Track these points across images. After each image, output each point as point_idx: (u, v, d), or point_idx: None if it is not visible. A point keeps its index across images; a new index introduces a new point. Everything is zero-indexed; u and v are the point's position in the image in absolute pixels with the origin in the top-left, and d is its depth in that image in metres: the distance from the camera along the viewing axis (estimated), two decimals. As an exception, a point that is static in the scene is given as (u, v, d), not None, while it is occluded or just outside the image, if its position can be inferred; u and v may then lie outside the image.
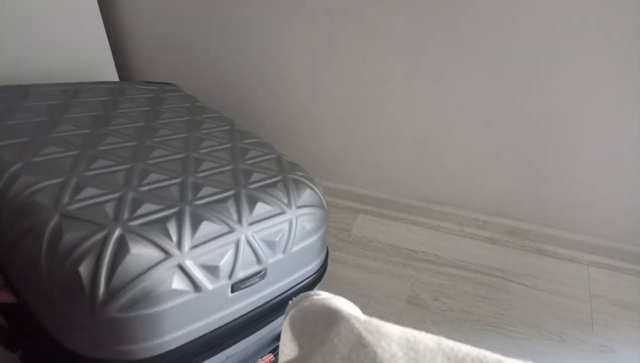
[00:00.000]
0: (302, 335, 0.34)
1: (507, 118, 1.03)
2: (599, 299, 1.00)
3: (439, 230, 1.18)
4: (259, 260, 0.61)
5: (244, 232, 0.59)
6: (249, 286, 0.61)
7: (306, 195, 0.68)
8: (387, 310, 0.97)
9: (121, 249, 0.49)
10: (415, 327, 0.29)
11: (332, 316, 0.32)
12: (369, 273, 1.05)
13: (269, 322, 0.68)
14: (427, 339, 0.28)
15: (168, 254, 0.52)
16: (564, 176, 1.06)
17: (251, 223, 0.60)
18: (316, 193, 0.70)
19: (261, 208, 0.62)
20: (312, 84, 1.16)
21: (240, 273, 0.59)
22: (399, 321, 0.95)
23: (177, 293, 0.53)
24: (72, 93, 0.84)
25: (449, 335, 0.30)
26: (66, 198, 0.54)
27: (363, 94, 1.13)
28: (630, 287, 1.04)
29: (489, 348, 0.28)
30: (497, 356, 0.27)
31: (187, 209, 0.56)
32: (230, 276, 0.58)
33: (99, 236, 0.50)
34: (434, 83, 1.05)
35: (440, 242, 1.15)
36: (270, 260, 0.63)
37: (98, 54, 1.15)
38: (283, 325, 0.38)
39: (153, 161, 0.66)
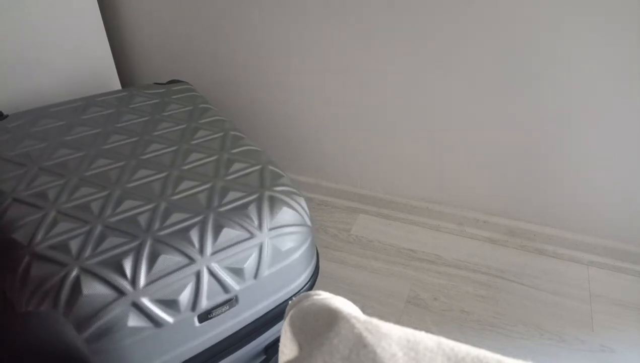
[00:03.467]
0: (302, 335, 0.34)
1: (507, 118, 1.03)
2: (599, 299, 1.00)
3: (439, 230, 1.18)
4: (225, 289, 0.60)
5: (205, 263, 0.58)
6: (218, 315, 0.60)
7: (282, 214, 0.66)
8: (387, 310, 0.97)
9: (75, 291, 0.51)
10: (415, 327, 0.29)
11: (332, 316, 0.32)
12: (369, 273, 1.05)
13: (249, 342, 0.67)
14: (427, 339, 0.28)
15: (122, 293, 0.52)
16: (564, 176, 1.06)
17: (214, 252, 0.59)
18: (295, 210, 0.68)
19: (227, 234, 0.61)
20: (313, 84, 1.16)
21: (205, 304, 0.59)
22: (399, 321, 0.95)
23: (136, 330, 0.53)
24: (81, 109, 0.86)
25: (449, 335, 0.30)
26: (39, 236, 0.57)
27: (364, 94, 1.13)
28: (630, 287, 1.04)
29: (489, 348, 0.28)
30: (497, 356, 0.27)
31: (148, 242, 0.57)
32: (193, 308, 0.58)
33: (57, 277, 0.52)
34: (435, 83, 1.05)
35: (440, 242, 1.15)
36: (240, 287, 0.62)
37: (98, 54, 1.15)
38: (283, 325, 0.38)
39: (133, 184, 0.67)
